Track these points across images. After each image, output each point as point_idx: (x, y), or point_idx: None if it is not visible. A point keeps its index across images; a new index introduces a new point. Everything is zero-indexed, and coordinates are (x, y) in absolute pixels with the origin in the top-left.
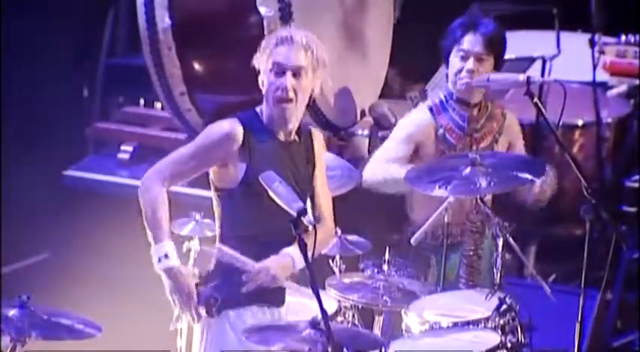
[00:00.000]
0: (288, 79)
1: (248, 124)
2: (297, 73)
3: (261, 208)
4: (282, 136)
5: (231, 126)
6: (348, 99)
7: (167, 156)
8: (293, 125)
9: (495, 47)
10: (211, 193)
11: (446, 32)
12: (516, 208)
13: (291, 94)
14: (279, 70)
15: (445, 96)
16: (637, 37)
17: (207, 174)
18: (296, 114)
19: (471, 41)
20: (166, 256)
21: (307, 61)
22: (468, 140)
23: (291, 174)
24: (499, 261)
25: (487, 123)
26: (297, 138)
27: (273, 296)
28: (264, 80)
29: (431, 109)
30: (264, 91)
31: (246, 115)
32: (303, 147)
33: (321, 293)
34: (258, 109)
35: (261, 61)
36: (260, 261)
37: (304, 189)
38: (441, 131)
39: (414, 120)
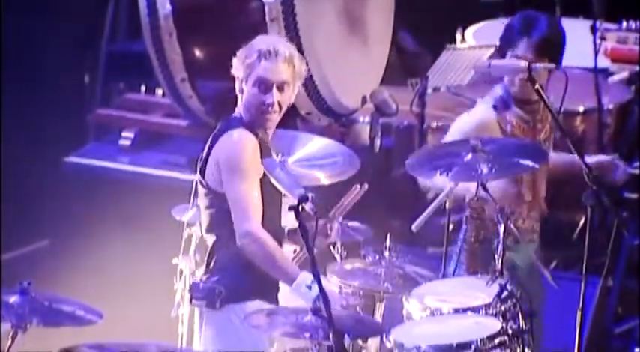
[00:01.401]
0: (275, 95)
1: (250, 130)
2: (281, 87)
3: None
4: (260, 135)
5: (248, 136)
6: (349, 85)
7: (240, 206)
8: (272, 130)
9: (549, 51)
10: (203, 200)
11: (503, 30)
12: None
13: (276, 108)
14: (264, 86)
15: (505, 93)
16: (638, 23)
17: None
18: (276, 121)
19: (523, 48)
20: (311, 286)
21: (290, 74)
22: (532, 132)
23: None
24: (500, 247)
25: (544, 112)
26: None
27: (275, 289)
28: (244, 89)
29: (495, 107)
30: (243, 99)
31: (238, 123)
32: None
33: (323, 279)
34: (237, 114)
35: (242, 71)
36: None
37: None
38: (508, 127)
39: (480, 122)
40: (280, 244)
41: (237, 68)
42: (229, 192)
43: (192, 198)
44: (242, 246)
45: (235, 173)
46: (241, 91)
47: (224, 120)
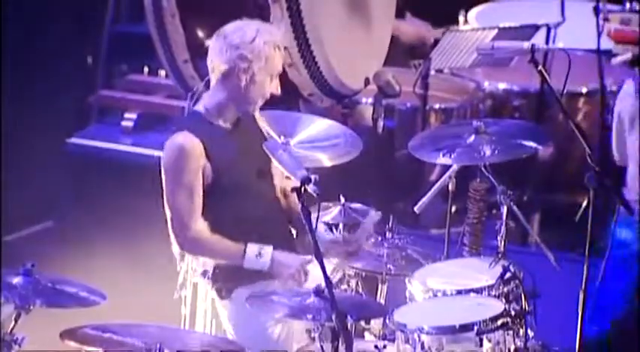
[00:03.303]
0: (276, 84)
1: (198, 131)
2: (277, 75)
3: (233, 203)
4: (227, 124)
5: (190, 141)
6: (352, 67)
7: (175, 214)
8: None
9: None
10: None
11: None
12: (520, 176)
13: None
14: (269, 78)
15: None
16: None
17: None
18: None
19: None
20: (259, 254)
21: (281, 58)
22: None
23: (247, 154)
24: (503, 228)
25: None
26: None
27: None
28: (233, 80)
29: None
30: (229, 88)
31: (191, 122)
32: (251, 128)
33: (325, 261)
34: (202, 109)
35: (228, 62)
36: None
37: (264, 167)
38: None
39: None
40: (292, 245)
41: (225, 59)
42: (166, 199)
43: None
44: (186, 252)
45: (168, 181)
46: (226, 80)
47: (183, 115)
